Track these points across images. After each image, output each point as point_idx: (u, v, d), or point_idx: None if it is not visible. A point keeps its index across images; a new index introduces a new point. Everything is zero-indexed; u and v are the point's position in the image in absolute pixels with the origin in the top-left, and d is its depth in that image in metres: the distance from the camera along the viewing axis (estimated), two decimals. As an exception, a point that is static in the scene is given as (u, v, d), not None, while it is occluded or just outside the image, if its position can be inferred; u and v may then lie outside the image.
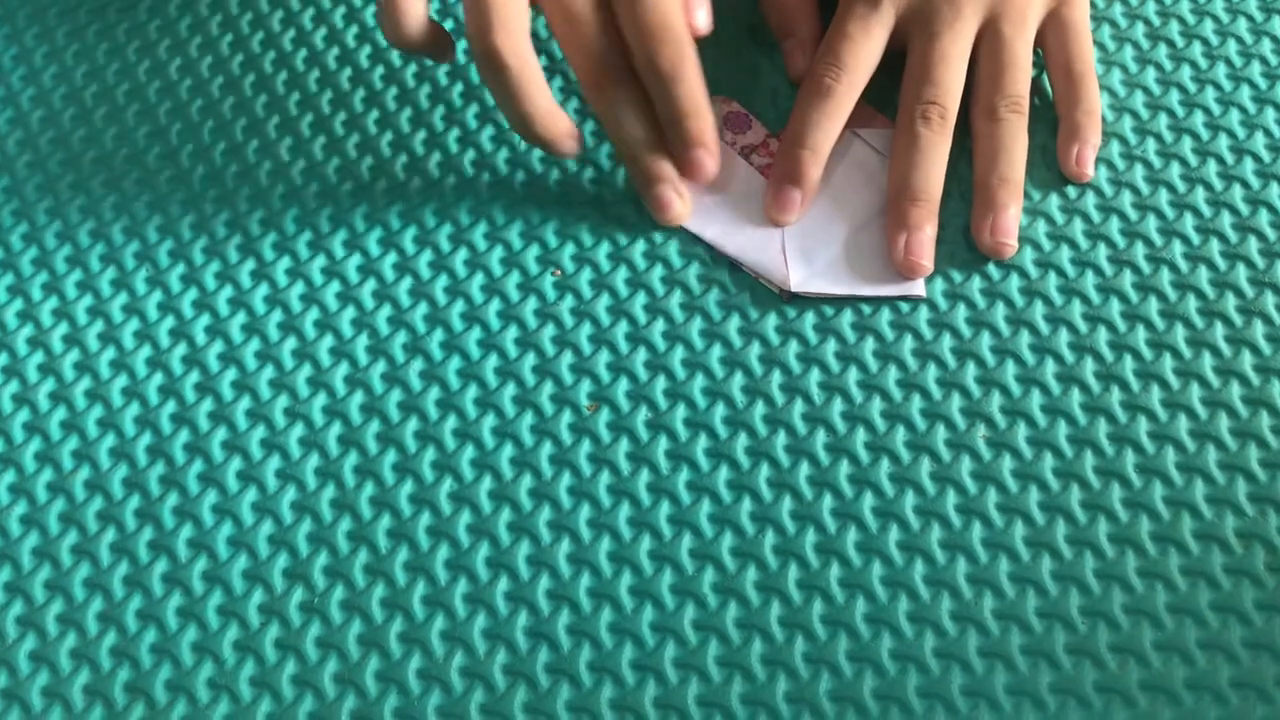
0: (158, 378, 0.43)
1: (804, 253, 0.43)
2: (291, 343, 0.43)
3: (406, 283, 0.44)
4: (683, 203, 0.44)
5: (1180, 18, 0.49)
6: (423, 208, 0.46)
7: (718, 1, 0.50)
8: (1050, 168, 0.45)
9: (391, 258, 0.45)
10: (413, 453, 0.41)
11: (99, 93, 0.49)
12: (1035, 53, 0.47)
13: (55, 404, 0.42)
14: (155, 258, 0.45)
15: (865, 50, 0.45)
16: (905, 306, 0.43)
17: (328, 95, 0.49)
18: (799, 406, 0.41)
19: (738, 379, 0.42)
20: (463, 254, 0.44)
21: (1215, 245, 0.44)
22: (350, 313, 0.44)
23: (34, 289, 0.45)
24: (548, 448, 0.41)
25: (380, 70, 0.49)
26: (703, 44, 0.49)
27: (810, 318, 0.43)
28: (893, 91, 0.46)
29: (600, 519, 0.39)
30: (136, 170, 0.47)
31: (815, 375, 0.42)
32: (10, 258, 0.45)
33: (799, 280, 0.43)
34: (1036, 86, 0.47)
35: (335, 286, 0.44)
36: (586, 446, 0.41)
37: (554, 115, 0.42)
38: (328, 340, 0.43)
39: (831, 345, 0.42)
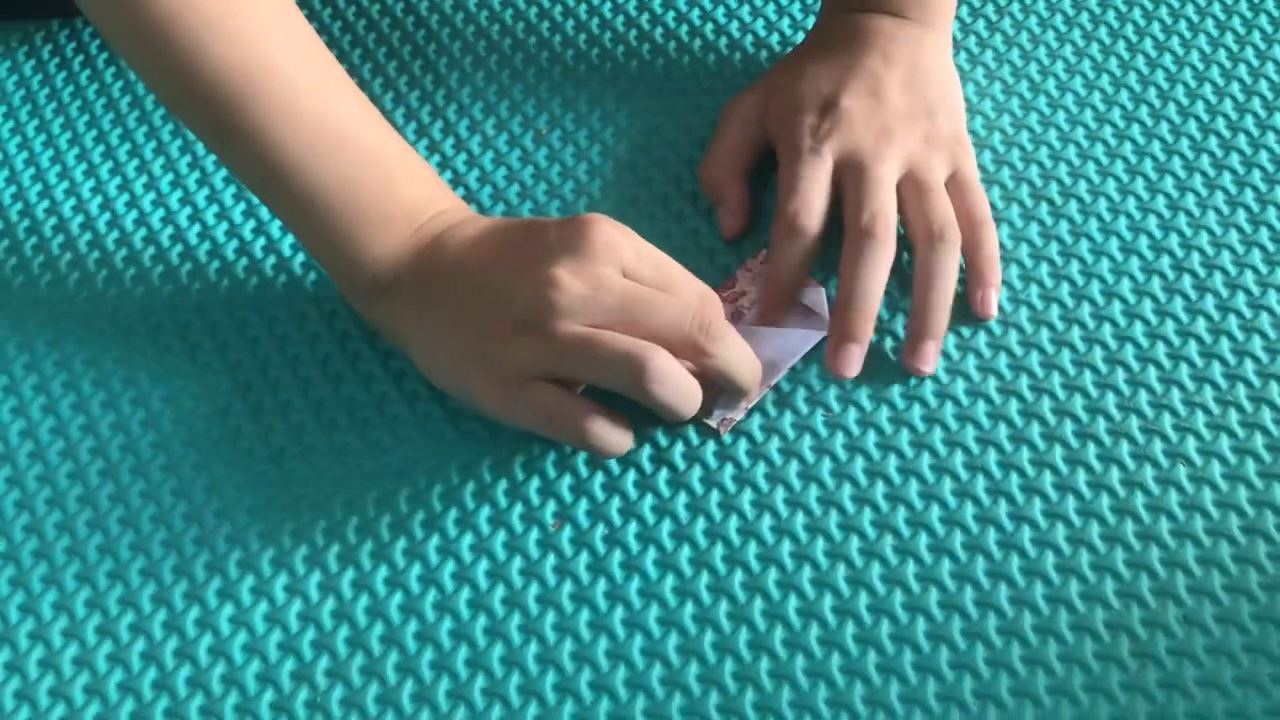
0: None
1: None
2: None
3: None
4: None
5: (1059, 179, 0.57)
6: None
7: (663, 173, 0.58)
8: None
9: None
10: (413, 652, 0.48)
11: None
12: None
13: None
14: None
15: (816, 193, 0.53)
16: (804, 440, 0.50)
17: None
18: (720, 548, 0.48)
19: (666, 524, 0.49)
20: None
21: (1089, 376, 0.51)
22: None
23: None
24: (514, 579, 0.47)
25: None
26: (653, 212, 0.57)
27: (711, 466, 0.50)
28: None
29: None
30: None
31: (736, 521, 0.49)
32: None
33: (718, 420, 0.50)
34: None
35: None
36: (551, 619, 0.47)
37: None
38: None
39: (730, 468, 0.49)
